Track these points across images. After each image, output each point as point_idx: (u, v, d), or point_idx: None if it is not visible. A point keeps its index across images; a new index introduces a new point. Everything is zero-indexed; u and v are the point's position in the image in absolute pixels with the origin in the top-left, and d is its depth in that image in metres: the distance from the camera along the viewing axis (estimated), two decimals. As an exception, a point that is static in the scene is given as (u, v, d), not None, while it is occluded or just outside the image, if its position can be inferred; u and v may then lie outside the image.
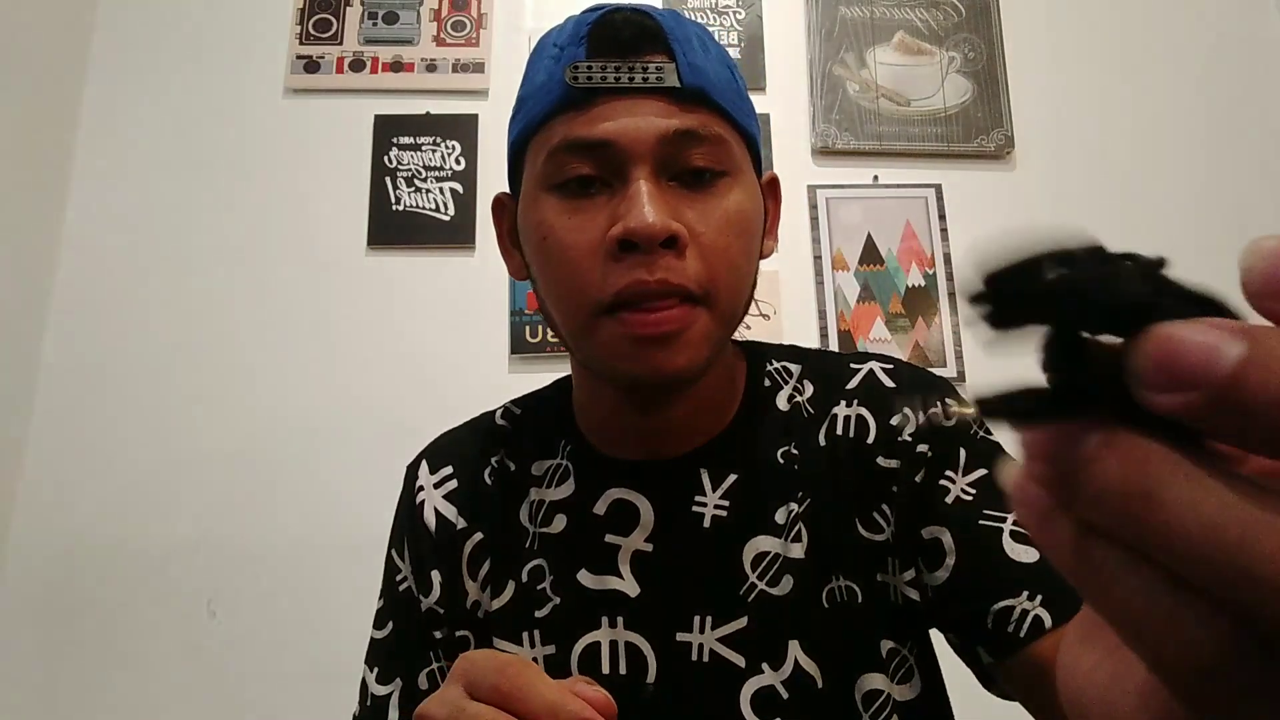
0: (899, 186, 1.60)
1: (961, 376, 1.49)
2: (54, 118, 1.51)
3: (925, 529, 0.52)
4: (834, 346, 1.51)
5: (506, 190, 0.58)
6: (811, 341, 1.51)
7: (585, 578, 0.55)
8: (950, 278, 1.56)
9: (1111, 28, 1.71)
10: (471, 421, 0.65)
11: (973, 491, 0.52)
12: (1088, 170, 1.63)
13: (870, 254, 1.56)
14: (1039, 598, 0.47)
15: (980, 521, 0.50)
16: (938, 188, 1.59)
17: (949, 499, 0.52)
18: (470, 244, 1.52)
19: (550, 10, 1.58)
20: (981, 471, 0.53)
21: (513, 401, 0.66)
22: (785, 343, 0.65)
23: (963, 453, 0.53)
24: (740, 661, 0.52)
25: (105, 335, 1.46)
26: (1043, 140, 1.64)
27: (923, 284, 1.55)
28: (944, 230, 1.57)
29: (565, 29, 0.52)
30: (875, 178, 1.60)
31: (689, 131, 0.48)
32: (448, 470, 0.62)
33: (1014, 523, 0.50)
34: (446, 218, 1.53)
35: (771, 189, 0.58)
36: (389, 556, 0.62)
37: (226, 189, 1.53)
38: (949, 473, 0.53)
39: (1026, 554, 0.49)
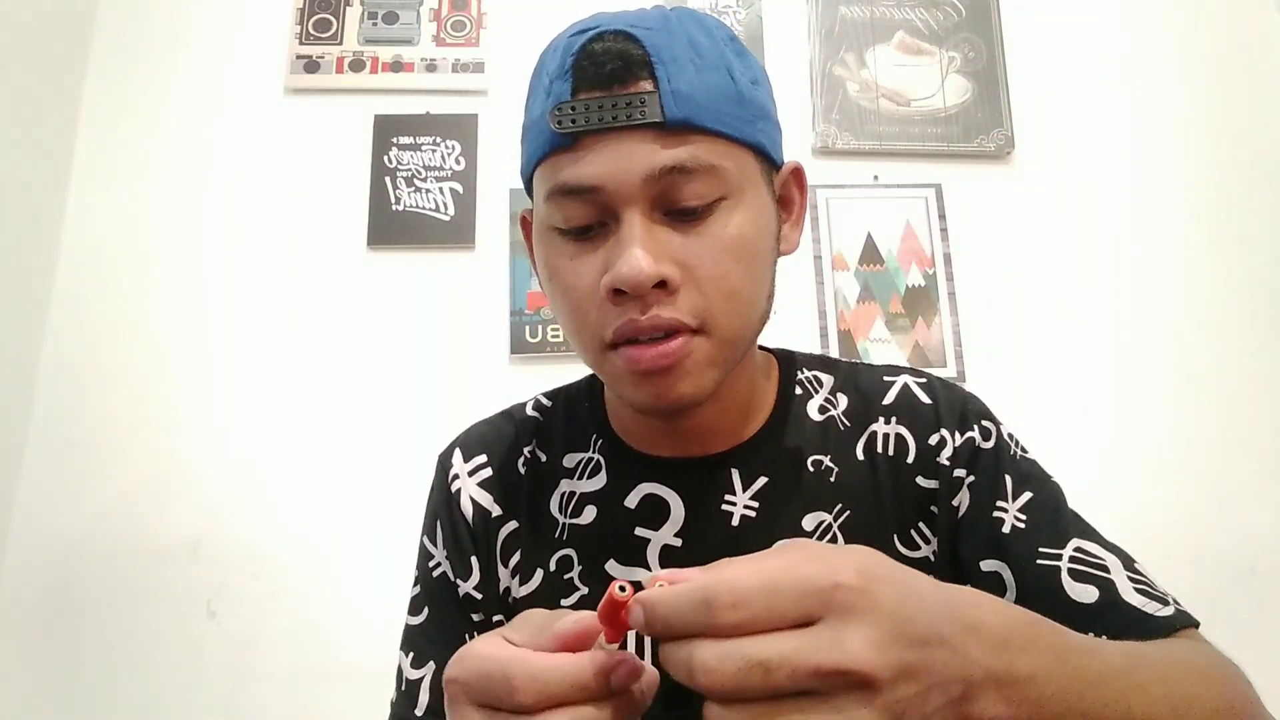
0: (899, 186, 1.60)
1: (961, 376, 1.49)
2: (54, 118, 1.51)
3: (984, 561, 0.53)
4: (834, 346, 1.51)
5: (513, 179, 0.59)
6: (812, 341, 1.51)
7: (614, 568, 0.57)
8: (950, 278, 1.56)
9: (1111, 28, 1.71)
10: (503, 412, 0.67)
11: (1024, 518, 0.54)
12: (1088, 170, 1.63)
13: (870, 254, 1.56)
14: (1104, 637, 0.48)
15: (1039, 561, 0.52)
16: (938, 188, 1.59)
17: (1006, 529, 0.53)
18: (470, 244, 1.52)
19: (550, 11, 1.57)
20: (1028, 495, 0.55)
21: (544, 394, 0.67)
22: (815, 353, 0.66)
23: (1008, 479, 0.55)
24: None
25: (105, 335, 1.46)
26: (1043, 140, 1.64)
27: (923, 284, 1.55)
28: (944, 230, 1.57)
29: (555, 55, 0.51)
30: (875, 177, 1.60)
31: (676, 166, 0.47)
32: (481, 459, 0.63)
33: (1070, 560, 0.52)
34: (446, 218, 1.53)
35: (796, 178, 0.58)
36: (422, 544, 0.64)
37: (226, 189, 1.53)
38: (1001, 503, 0.54)
39: (1085, 593, 0.50)
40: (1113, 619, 0.48)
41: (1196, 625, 0.50)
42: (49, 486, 1.39)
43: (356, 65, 1.59)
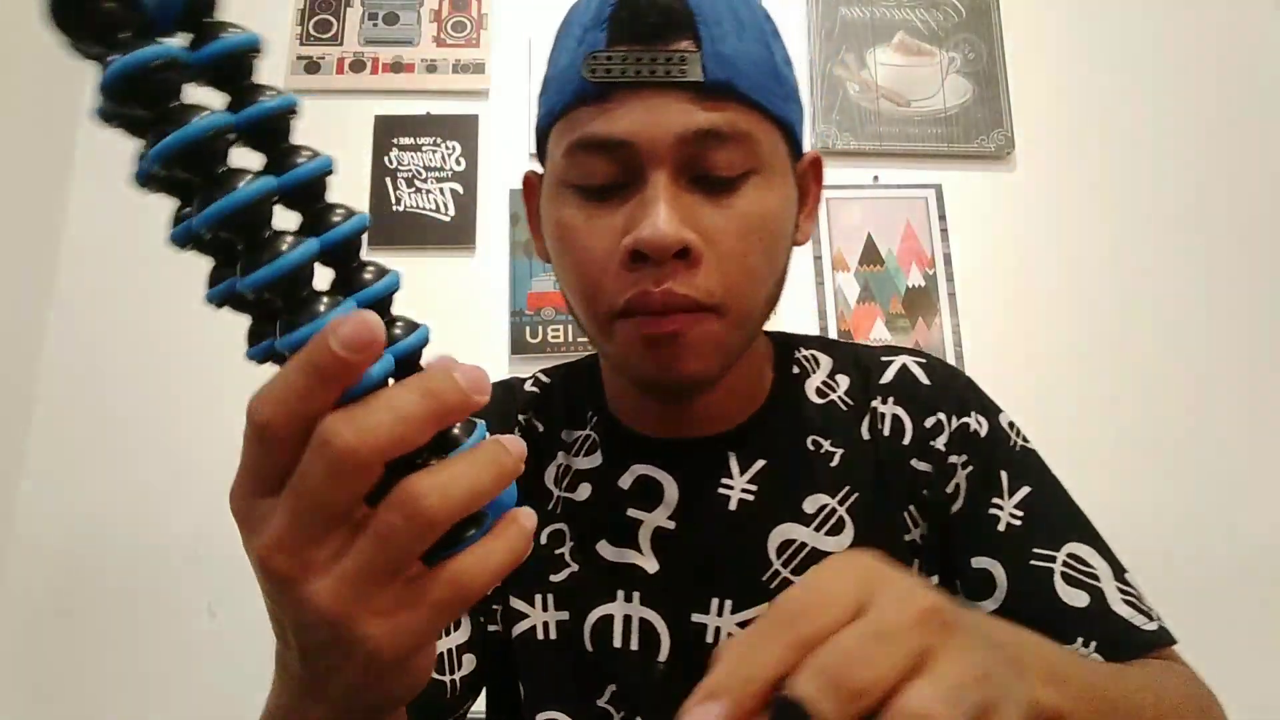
0: (899, 187, 1.60)
1: (961, 377, 1.49)
2: (54, 118, 1.51)
3: (975, 559, 0.52)
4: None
5: (513, 180, 0.58)
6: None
7: (605, 549, 0.55)
8: (950, 278, 1.56)
9: (1111, 27, 1.71)
10: (503, 382, 0.64)
11: (1020, 514, 0.52)
12: (1088, 170, 1.63)
13: (870, 254, 1.56)
14: (1093, 644, 0.47)
15: (1032, 561, 0.51)
16: (938, 188, 1.59)
17: (1000, 527, 0.52)
18: (470, 244, 1.52)
19: (550, 12, 1.57)
20: (1025, 490, 0.53)
21: (543, 370, 0.65)
22: (814, 334, 0.65)
23: (1004, 474, 0.54)
24: None
25: (105, 335, 1.46)
26: (1043, 140, 1.64)
27: (923, 284, 1.55)
28: (944, 230, 1.57)
29: (590, 6, 0.48)
30: (875, 178, 1.60)
31: (711, 131, 0.45)
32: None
33: (1064, 564, 0.50)
34: (447, 218, 1.53)
35: (814, 169, 0.56)
36: None
37: (227, 189, 1.53)
38: (996, 500, 0.53)
39: (1078, 598, 0.49)
40: (1100, 627, 0.48)
41: (1175, 643, 0.50)
42: (49, 487, 1.39)
43: (357, 66, 1.59)
